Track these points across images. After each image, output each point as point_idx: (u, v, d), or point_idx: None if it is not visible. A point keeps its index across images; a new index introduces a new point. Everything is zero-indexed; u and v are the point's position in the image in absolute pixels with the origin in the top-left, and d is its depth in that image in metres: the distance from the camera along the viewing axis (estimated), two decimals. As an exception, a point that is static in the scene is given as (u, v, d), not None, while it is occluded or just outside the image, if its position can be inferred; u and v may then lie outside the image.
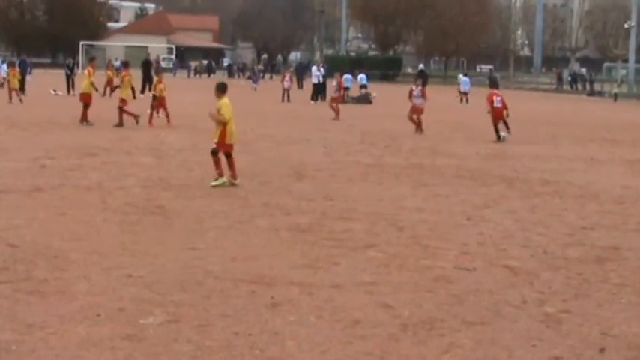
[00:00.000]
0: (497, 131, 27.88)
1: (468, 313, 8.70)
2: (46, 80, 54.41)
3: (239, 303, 8.78)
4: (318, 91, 50.39)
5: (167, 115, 29.71)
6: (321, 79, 51.15)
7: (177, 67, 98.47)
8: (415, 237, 12.32)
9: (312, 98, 49.31)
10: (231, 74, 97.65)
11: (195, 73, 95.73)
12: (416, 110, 30.38)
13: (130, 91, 30.30)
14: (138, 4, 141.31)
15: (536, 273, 10.41)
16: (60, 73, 61.90)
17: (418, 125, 29.82)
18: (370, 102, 49.63)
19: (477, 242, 12.08)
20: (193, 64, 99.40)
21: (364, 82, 56.74)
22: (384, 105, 47.86)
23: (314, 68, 54.41)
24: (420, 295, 9.31)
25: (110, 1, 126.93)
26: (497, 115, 27.97)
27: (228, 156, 16.64)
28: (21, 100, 38.94)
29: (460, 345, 7.77)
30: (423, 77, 53.87)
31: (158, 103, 30.04)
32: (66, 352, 7.26)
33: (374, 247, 11.53)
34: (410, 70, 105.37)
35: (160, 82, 30.69)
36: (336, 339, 7.82)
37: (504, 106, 28.03)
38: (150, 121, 28.91)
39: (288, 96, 48.23)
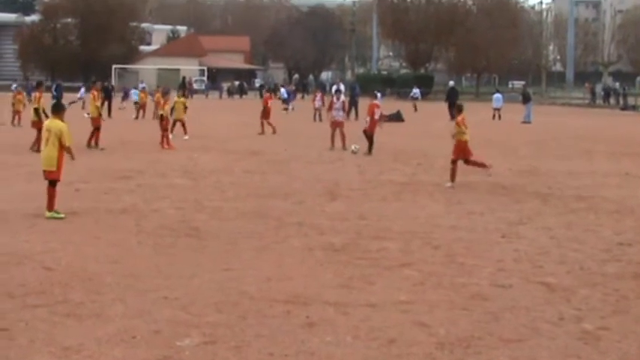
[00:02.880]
0: (371, 142, 27.81)
1: (505, 330, 8.66)
2: (79, 104, 54.62)
3: (275, 323, 8.78)
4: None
5: (166, 137, 29.22)
6: (342, 97, 50.88)
7: (209, 89, 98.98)
8: (450, 255, 12.29)
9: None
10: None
11: (228, 94, 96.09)
12: (337, 124, 30.02)
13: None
14: (170, 27, 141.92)
15: (573, 290, 10.35)
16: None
17: (342, 139, 29.35)
18: (402, 120, 49.51)
19: (513, 259, 12.03)
20: (225, 85, 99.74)
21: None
22: (415, 123, 47.81)
23: (334, 87, 54.33)
24: (456, 313, 9.28)
25: (142, 25, 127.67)
26: (372, 128, 27.81)
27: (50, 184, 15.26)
28: (12, 124, 38.77)
29: (497, 363, 7.73)
30: (453, 94, 53.87)
31: (165, 123, 29.63)
32: (103, 375, 7.29)
33: (409, 266, 11.51)
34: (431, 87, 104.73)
35: (166, 102, 30.60)
36: (373, 359, 7.79)
37: (381, 119, 28.24)
38: (163, 142, 28.82)
39: (319, 116, 48.24)
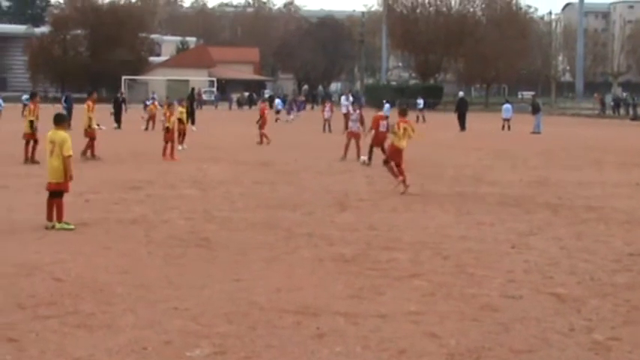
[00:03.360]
0: (371, 152, 27.73)
1: (515, 341, 8.64)
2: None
3: (285, 334, 8.77)
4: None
5: (172, 149, 29.34)
6: (350, 109, 50.56)
7: (218, 100, 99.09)
8: (460, 265, 12.25)
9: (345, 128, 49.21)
10: (271, 106, 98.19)
11: (238, 105, 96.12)
12: (353, 135, 30.04)
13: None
14: (179, 38, 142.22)
15: (584, 300, 10.32)
16: (104, 108, 62.39)
17: (357, 150, 29.43)
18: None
19: (523, 270, 11.99)
20: (235, 96, 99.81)
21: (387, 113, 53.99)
22: (425, 133, 47.75)
23: (343, 98, 54.18)
24: (466, 324, 9.26)
25: (152, 36, 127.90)
26: (379, 140, 27.64)
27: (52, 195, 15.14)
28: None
29: (508, 374, 7.71)
30: (462, 105, 53.82)
31: (170, 135, 29.67)
32: (113, 386, 7.29)
33: (419, 277, 11.47)
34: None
35: (172, 114, 30.68)
36: (383, 369, 7.78)
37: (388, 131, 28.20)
38: (172, 155, 28.99)
39: (329, 126, 48.20)
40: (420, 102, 70.57)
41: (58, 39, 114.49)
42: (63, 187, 15.07)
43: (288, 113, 67.07)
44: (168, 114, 30.65)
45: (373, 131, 27.82)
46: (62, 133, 15.22)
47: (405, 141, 20.82)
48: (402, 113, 22.05)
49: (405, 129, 20.89)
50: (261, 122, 37.58)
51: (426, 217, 16.92)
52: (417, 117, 62.26)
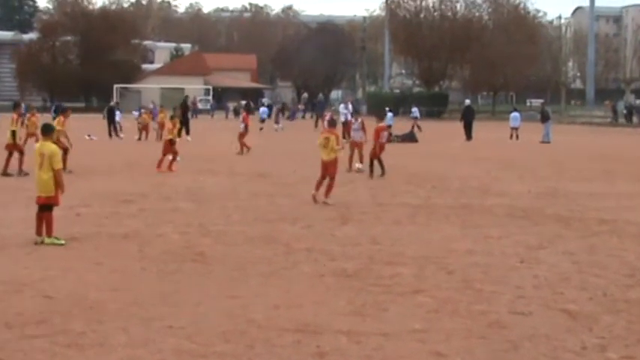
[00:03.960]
0: (372, 164, 27.35)
1: (524, 360, 8.49)
2: (80, 125, 54.28)
3: (284, 353, 8.69)
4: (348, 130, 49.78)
5: (173, 160, 29.10)
6: (349, 117, 50.13)
7: (214, 109, 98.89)
8: (466, 281, 12.08)
9: (343, 137, 48.69)
10: (269, 114, 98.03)
11: (235, 114, 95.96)
12: (355, 145, 29.57)
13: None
14: (173, 45, 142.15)
15: (596, 317, 10.17)
16: (94, 118, 62.44)
17: (360, 160, 29.16)
18: (416, 140, 49.25)
19: (532, 285, 11.82)
20: (232, 105, 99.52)
21: (390, 122, 53.64)
22: (429, 143, 47.56)
23: (341, 106, 53.87)
24: (473, 342, 9.15)
25: (145, 42, 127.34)
26: (379, 151, 27.33)
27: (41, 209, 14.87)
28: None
29: (517, 395, 7.56)
30: (469, 113, 53.46)
31: (170, 147, 29.33)
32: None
33: (423, 293, 11.33)
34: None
35: (174, 126, 30.58)
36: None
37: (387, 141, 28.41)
38: (170, 166, 28.66)
39: (329, 136, 47.92)
40: (415, 110, 69.94)
41: (47, 46, 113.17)
42: (53, 201, 14.85)
43: (277, 122, 66.61)
44: (171, 126, 30.50)
45: (373, 144, 27.54)
46: (51, 145, 15.08)
47: (325, 153, 20.67)
48: (330, 124, 22.25)
49: (326, 138, 20.75)
50: (243, 131, 37.47)
51: (431, 231, 16.73)
52: (413, 126, 61.78)
